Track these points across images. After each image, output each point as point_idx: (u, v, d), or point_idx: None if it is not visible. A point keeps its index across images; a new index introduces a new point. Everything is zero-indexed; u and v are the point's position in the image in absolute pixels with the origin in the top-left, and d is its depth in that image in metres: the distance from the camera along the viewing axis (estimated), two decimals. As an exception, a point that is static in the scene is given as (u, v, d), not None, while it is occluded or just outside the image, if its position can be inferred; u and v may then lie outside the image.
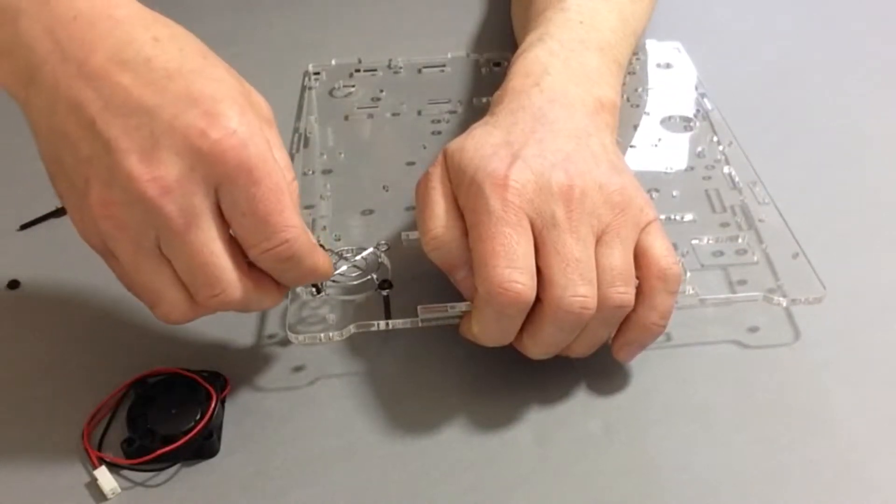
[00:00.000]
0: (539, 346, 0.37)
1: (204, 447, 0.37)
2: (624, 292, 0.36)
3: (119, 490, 0.36)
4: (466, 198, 0.37)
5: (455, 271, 0.38)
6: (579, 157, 0.38)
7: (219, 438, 0.38)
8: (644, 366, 0.40)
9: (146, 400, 0.38)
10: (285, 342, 0.42)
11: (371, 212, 0.48)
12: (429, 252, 0.38)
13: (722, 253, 0.45)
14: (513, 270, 0.35)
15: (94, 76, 0.33)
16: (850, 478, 0.36)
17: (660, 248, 0.38)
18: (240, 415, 0.39)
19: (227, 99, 0.34)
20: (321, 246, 0.43)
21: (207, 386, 0.38)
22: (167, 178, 0.32)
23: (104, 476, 0.36)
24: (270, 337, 0.42)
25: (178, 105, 0.33)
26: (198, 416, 0.37)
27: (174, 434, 0.37)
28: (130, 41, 0.34)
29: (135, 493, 0.36)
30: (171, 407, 0.38)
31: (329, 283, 0.42)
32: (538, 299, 0.36)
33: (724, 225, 0.47)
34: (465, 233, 0.37)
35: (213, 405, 0.38)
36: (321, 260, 0.37)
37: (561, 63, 0.44)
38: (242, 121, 0.34)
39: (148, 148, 0.33)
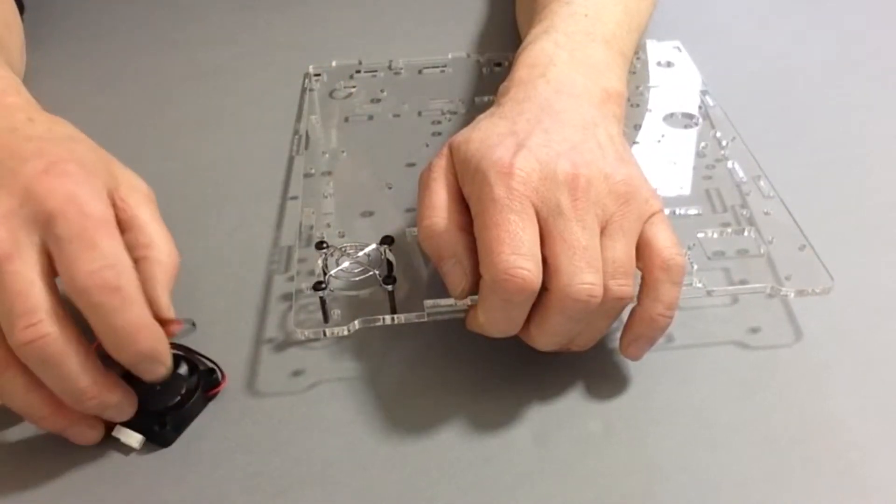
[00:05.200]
0: (546, 336, 0.37)
1: (156, 434, 0.37)
2: (624, 285, 0.36)
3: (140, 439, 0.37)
4: (472, 187, 0.37)
5: (443, 262, 0.38)
6: (585, 147, 0.38)
7: (176, 430, 0.38)
8: (644, 366, 0.40)
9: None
10: (284, 345, 0.42)
11: (371, 213, 0.48)
12: (421, 240, 0.38)
13: (728, 246, 0.45)
14: (518, 257, 0.35)
15: None
16: (850, 478, 0.36)
17: (663, 240, 0.38)
18: (239, 416, 0.39)
19: (75, 160, 0.36)
20: (324, 243, 0.43)
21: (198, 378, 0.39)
22: None
23: (125, 433, 0.37)
24: (269, 340, 0.42)
25: (25, 157, 0.35)
26: (171, 402, 0.38)
27: (144, 406, 0.37)
28: (5, 117, 0.38)
29: (133, 489, 0.36)
30: (158, 383, 0.38)
31: (332, 278, 0.42)
32: (544, 288, 0.36)
33: (729, 220, 0.47)
34: (461, 225, 0.37)
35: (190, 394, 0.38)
36: (147, 314, 0.35)
37: (567, 54, 0.44)
38: (81, 173, 0.35)
39: None
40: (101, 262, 0.34)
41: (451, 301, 0.39)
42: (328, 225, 0.47)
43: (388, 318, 0.40)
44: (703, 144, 0.52)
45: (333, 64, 0.61)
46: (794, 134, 0.56)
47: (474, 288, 0.38)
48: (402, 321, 0.40)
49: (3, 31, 0.53)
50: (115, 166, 0.39)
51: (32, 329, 0.33)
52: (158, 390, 0.38)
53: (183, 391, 0.38)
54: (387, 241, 0.43)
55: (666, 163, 0.51)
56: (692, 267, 0.42)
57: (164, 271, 0.37)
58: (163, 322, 0.36)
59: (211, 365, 0.40)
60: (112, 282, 0.33)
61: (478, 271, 0.37)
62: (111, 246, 0.34)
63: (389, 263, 0.43)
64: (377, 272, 0.42)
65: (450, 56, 0.62)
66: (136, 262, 0.36)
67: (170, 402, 0.38)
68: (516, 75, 0.43)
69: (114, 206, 0.37)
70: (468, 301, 0.39)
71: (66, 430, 0.36)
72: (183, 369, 0.39)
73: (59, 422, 0.36)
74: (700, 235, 0.45)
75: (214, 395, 0.39)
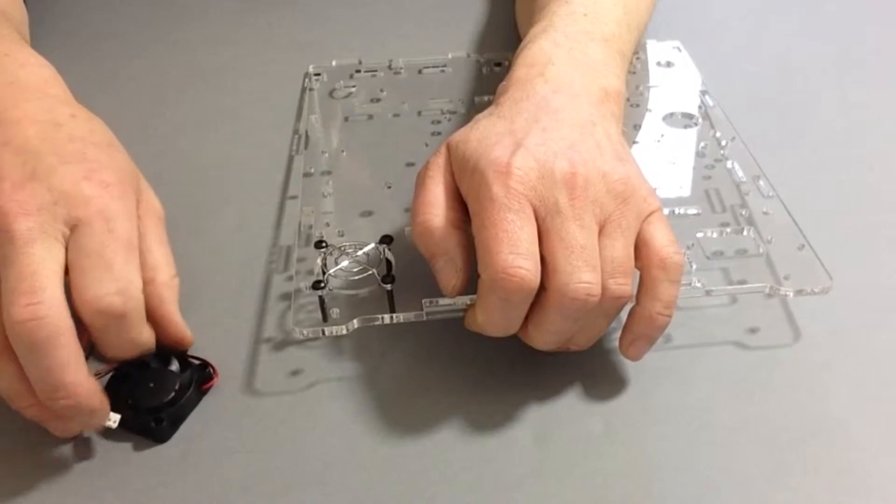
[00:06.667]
0: (544, 335, 0.37)
1: (153, 430, 0.38)
2: (623, 284, 0.36)
3: (118, 418, 0.37)
4: (469, 186, 0.37)
5: (435, 260, 0.38)
6: (583, 145, 0.38)
7: (172, 425, 0.38)
8: (643, 366, 0.40)
9: (139, 366, 0.39)
10: (283, 345, 0.42)
11: (370, 212, 0.48)
12: (414, 237, 0.38)
13: (727, 246, 0.45)
14: (516, 256, 0.35)
15: (7, 123, 0.38)
16: (850, 478, 0.36)
17: (661, 238, 0.38)
18: (238, 415, 0.39)
19: (113, 169, 0.39)
20: (323, 242, 0.43)
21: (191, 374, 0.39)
22: (28, 204, 0.35)
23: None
24: (268, 340, 0.42)
25: (68, 158, 0.38)
26: (166, 398, 0.38)
27: (139, 404, 0.38)
28: (50, 110, 0.40)
29: (133, 489, 0.36)
30: (151, 381, 0.39)
31: (331, 277, 0.42)
32: (542, 287, 0.36)
33: (728, 219, 0.47)
34: (455, 223, 0.38)
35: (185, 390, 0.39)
36: (146, 332, 0.39)
37: (565, 53, 0.44)
38: (119, 186, 0.38)
39: (23, 180, 0.36)
40: (112, 286, 0.36)
41: (449, 300, 0.39)
42: (327, 224, 0.47)
43: (386, 317, 0.40)
44: (702, 144, 0.52)
45: (333, 64, 0.61)
46: (794, 134, 0.56)
47: (466, 285, 0.38)
48: (401, 320, 0.40)
49: (22, 28, 0.53)
50: (142, 182, 0.42)
51: (31, 308, 0.33)
52: (152, 387, 0.38)
53: (176, 387, 0.38)
54: (386, 240, 0.43)
55: (665, 163, 0.51)
56: (691, 267, 0.42)
57: (172, 292, 0.40)
58: (177, 338, 0.40)
59: (200, 362, 0.40)
60: (118, 308, 0.36)
61: (469, 269, 0.37)
62: (125, 270, 0.36)
63: (388, 263, 0.43)
64: (376, 271, 0.42)
65: (450, 56, 0.62)
66: (146, 282, 0.39)
67: (164, 398, 0.38)
68: (515, 75, 0.43)
69: None
70: (467, 300, 0.39)
71: (48, 420, 0.37)
72: (174, 366, 0.39)
73: (44, 412, 0.36)
74: (699, 235, 0.45)
75: (208, 389, 0.40)
